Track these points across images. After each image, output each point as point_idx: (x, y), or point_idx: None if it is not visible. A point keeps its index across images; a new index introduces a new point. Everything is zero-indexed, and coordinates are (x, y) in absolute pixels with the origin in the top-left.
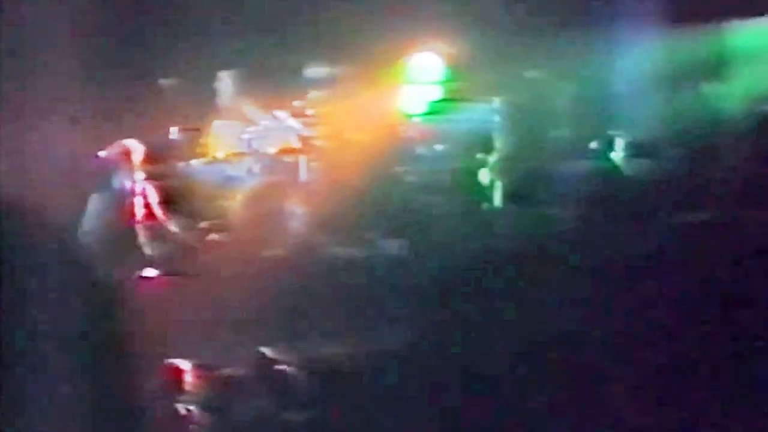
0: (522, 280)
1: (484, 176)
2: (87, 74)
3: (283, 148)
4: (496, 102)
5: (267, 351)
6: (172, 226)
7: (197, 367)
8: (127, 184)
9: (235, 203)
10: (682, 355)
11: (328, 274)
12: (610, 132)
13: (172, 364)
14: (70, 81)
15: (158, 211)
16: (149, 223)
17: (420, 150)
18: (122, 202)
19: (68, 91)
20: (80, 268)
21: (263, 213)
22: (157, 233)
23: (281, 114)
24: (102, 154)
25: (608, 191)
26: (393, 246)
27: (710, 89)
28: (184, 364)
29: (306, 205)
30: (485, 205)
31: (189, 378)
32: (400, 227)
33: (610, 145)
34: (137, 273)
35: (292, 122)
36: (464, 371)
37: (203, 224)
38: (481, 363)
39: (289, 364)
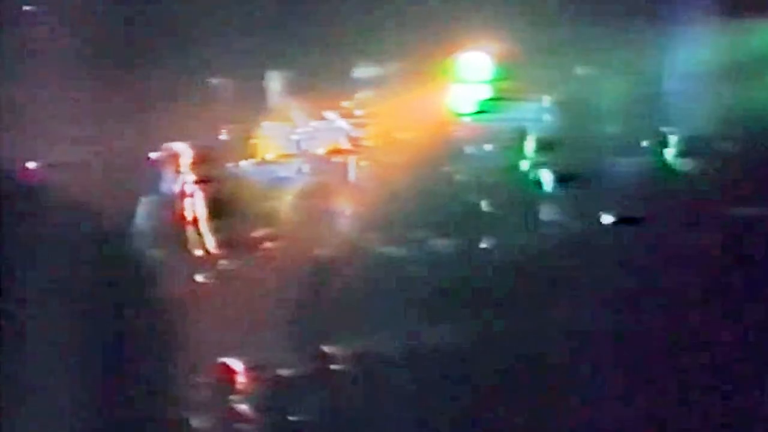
0: (573, 279)
1: (534, 175)
2: (136, 74)
3: (332, 148)
4: (546, 100)
5: (319, 349)
6: (222, 228)
7: (251, 367)
8: (177, 187)
9: (284, 204)
10: (743, 348)
11: (377, 274)
12: (663, 129)
13: (225, 363)
14: (118, 81)
15: (208, 213)
16: (199, 225)
17: (469, 149)
18: (172, 204)
19: (116, 92)
20: (133, 269)
21: (313, 213)
22: (207, 235)
23: (330, 114)
24: (153, 155)
25: (661, 189)
26: (442, 246)
27: (766, 84)
28: (237, 364)
29: (355, 205)
30: (535, 205)
31: (242, 378)
32: (449, 227)
33: (663, 143)
34: (189, 276)
35: (341, 123)
36: (516, 369)
37: (254, 226)
38: (534, 360)
39: (340, 362)
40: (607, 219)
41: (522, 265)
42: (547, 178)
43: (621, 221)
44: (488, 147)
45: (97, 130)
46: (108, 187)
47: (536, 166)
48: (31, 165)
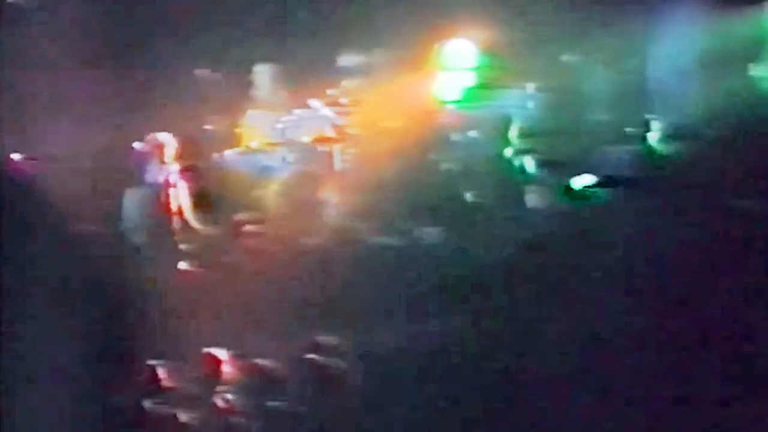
0: (560, 268)
1: (519, 162)
2: (121, 66)
3: (318, 137)
4: (531, 87)
5: (306, 340)
6: (207, 218)
7: (236, 357)
8: (162, 177)
9: (270, 193)
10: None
11: (363, 264)
12: (647, 116)
13: (210, 353)
14: (102, 73)
15: (192, 204)
16: (184, 215)
17: (454, 137)
18: (157, 195)
19: (100, 84)
20: (119, 259)
21: (298, 202)
22: (192, 225)
23: (315, 103)
24: (137, 146)
25: (645, 175)
26: (429, 234)
27: (750, 72)
28: (223, 354)
29: (341, 194)
30: (521, 193)
31: (228, 368)
32: (436, 215)
33: (646, 129)
34: (174, 264)
35: (326, 111)
36: (508, 363)
37: (239, 216)
38: (526, 353)
39: (327, 354)
40: (581, 181)
41: (510, 254)
42: (531, 164)
43: (597, 185)
44: (473, 134)
45: (81, 122)
46: (93, 178)
47: (521, 152)
48: (15, 157)
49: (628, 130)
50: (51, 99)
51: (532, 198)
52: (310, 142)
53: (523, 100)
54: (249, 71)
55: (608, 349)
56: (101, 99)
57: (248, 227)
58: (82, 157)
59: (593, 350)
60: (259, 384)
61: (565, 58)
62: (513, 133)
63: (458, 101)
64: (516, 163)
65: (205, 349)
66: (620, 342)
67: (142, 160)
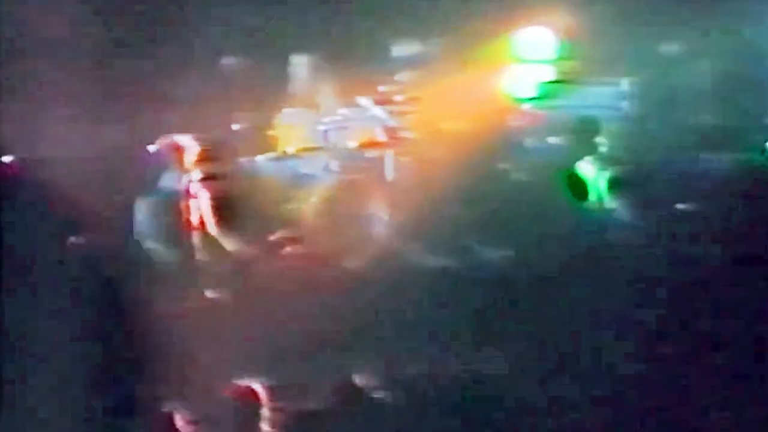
0: (643, 304)
1: (607, 174)
2: (131, 54)
3: (366, 141)
4: (624, 84)
5: (348, 376)
6: (233, 235)
7: (270, 389)
8: (180, 186)
9: (308, 206)
10: None
11: (417, 289)
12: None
13: (242, 386)
14: (113, 61)
15: (217, 218)
16: (206, 231)
17: (529, 143)
18: (174, 207)
19: (110, 74)
20: (131, 285)
21: (342, 217)
22: (217, 243)
23: (364, 101)
24: (151, 149)
25: (760, 190)
26: (495, 256)
27: None
28: (257, 386)
29: (393, 208)
30: (607, 210)
31: (262, 401)
32: (503, 235)
33: (765, 135)
34: (196, 291)
35: (377, 110)
36: (575, 403)
37: (272, 233)
38: (594, 393)
39: (373, 388)
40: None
41: (587, 283)
42: (620, 178)
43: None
44: (552, 140)
45: (85, 120)
46: (99, 186)
47: (609, 163)
48: (6, 159)
49: (742, 136)
50: (49, 92)
51: (619, 219)
52: (357, 147)
53: (614, 99)
54: (285, 62)
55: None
56: (108, 93)
57: (283, 246)
58: (84, 161)
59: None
60: (295, 423)
61: (665, 48)
62: (601, 139)
63: (534, 100)
64: (602, 175)
65: (234, 385)
66: (703, 368)
67: (157, 165)
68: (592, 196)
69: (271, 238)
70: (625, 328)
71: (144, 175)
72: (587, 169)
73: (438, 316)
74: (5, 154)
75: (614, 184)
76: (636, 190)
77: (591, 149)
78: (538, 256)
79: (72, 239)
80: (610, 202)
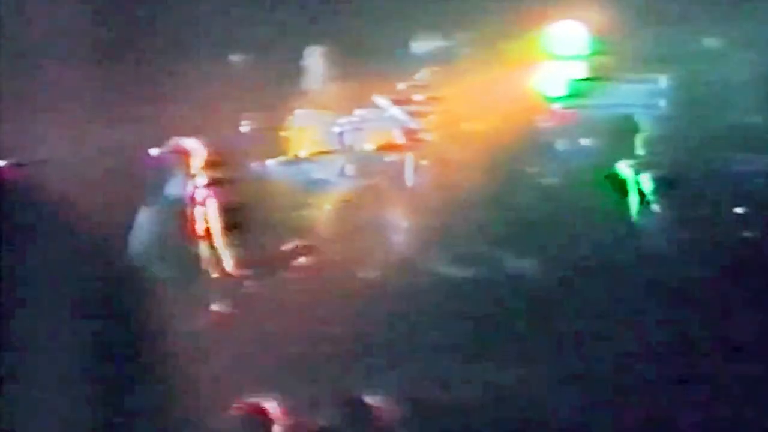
0: (682, 318)
1: (647, 178)
2: (134, 51)
3: (384, 143)
4: (662, 81)
5: (363, 393)
6: (242, 244)
7: (281, 406)
8: (186, 193)
9: (322, 213)
10: None
11: (439, 301)
12: None
13: (252, 403)
14: (115, 59)
15: (224, 225)
16: (213, 240)
17: (560, 145)
18: (180, 214)
19: (112, 73)
20: (134, 297)
21: (358, 225)
22: (224, 253)
23: (382, 101)
24: (154, 153)
25: None
26: (523, 266)
27: None
28: (267, 404)
29: (412, 215)
30: (644, 215)
31: (273, 418)
32: (532, 244)
33: None
34: (202, 303)
35: (396, 111)
36: (604, 417)
37: (283, 242)
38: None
39: (389, 408)
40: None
41: (626, 295)
42: (657, 182)
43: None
44: (585, 142)
45: (84, 121)
46: (100, 192)
47: (646, 166)
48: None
49: None
50: (48, 92)
51: (656, 227)
52: (374, 150)
53: (651, 97)
54: (298, 58)
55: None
56: (109, 93)
57: (295, 257)
58: (84, 165)
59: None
60: None
61: (705, 42)
62: (638, 140)
63: (565, 98)
64: (638, 180)
65: (244, 402)
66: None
67: (162, 170)
68: (632, 202)
69: (283, 248)
70: (670, 341)
71: (146, 181)
72: (625, 173)
73: (460, 330)
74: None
75: (656, 189)
76: (679, 194)
77: (628, 152)
78: (571, 267)
79: (70, 249)
80: (652, 207)
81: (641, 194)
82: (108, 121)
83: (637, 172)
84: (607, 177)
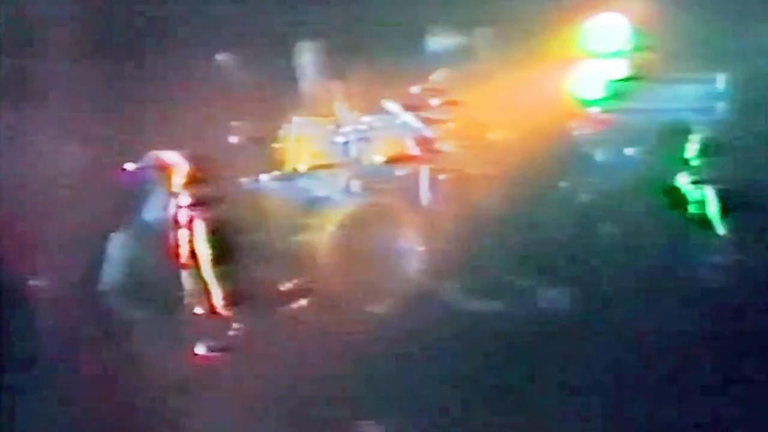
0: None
1: (697, 195)
2: (108, 49)
3: (395, 155)
4: (719, 80)
5: None
6: (232, 274)
7: None
8: (166, 214)
9: (324, 237)
10: None
11: (460, 340)
12: None
13: None
14: (85, 59)
15: (212, 252)
16: (200, 269)
17: (599, 156)
18: (159, 241)
19: (81, 74)
20: (105, 340)
21: (366, 250)
22: (211, 284)
23: (392, 106)
24: (128, 169)
25: None
26: (557, 298)
27: None
28: None
29: (429, 238)
30: (698, 236)
31: None
32: (569, 271)
33: None
34: (186, 345)
35: (408, 117)
36: None
37: (280, 271)
38: None
39: None
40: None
41: (671, 335)
42: (715, 199)
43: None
44: (628, 152)
45: (47, 131)
46: (65, 214)
47: (702, 180)
48: None
49: None
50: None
51: (715, 249)
52: (383, 162)
53: (706, 100)
54: (294, 57)
55: None
56: (75, 96)
57: (293, 288)
58: (46, 182)
59: None
60: None
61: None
62: (691, 149)
63: (605, 102)
64: (693, 196)
65: None
66: None
67: (138, 189)
68: (691, 222)
69: (276, 274)
70: (730, 392)
71: (119, 202)
72: (684, 187)
73: (483, 373)
74: None
75: (721, 207)
76: (747, 213)
77: (679, 163)
78: (612, 300)
79: (32, 282)
80: (716, 230)
81: (702, 213)
82: (72, 131)
83: (696, 188)
84: (663, 192)
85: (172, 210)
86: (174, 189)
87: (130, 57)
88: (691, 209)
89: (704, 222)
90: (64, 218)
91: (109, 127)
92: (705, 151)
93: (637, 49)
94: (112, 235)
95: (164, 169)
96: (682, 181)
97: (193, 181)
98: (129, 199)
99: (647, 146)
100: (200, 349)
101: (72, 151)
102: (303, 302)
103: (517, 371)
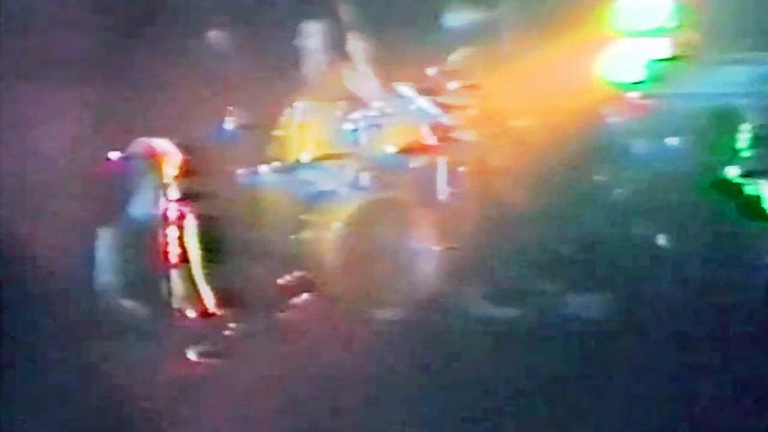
0: None
1: (748, 189)
2: (95, 29)
3: (409, 144)
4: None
5: None
6: (226, 273)
7: None
8: (156, 209)
9: (329, 235)
10: None
11: (478, 349)
12: None
13: None
14: (66, 38)
15: (203, 250)
16: (191, 269)
17: (636, 146)
18: (148, 237)
19: (55, 48)
20: (92, 342)
21: (376, 250)
22: (203, 285)
23: (406, 89)
24: (114, 157)
25: None
26: (586, 305)
27: None
28: None
29: (445, 237)
30: (752, 235)
31: None
32: (600, 275)
33: None
34: (176, 350)
35: (424, 102)
36: None
37: (279, 271)
38: None
39: None
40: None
41: (717, 347)
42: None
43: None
44: (671, 141)
45: (28, 118)
46: (47, 208)
47: (754, 172)
48: None
49: None
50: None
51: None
52: (396, 152)
53: (758, 83)
54: (296, 35)
55: None
56: (54, 76)
57: (294, 292)
58: (23, 173)
59: None
60: None
61: None
62: (741, 138)
63: (643, 86)
64: (744, 189)
65: None
66: None
67: (125, 180)
68: (743, 218)
69: (279, 281)
70: None
71: (108, 193)
72: (736, 180)
73: (503, 386)
74: None
75: None
76: None
77: (729, 153)
78: (650, 307)
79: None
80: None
81: (756, 210)
82: (52, 116)
83: (748, 181)
84: (711, 187)
85: (161, 204)
86: (165, 181)
87: (116, 33)
88: (743, 205)
89: (758, 219)
90: (41, 213)
91: (91, 110)
92: (757, 140)
93: (681, 26)
94: (96, 231)
95: (154, 159)
96: (732, 173)
97: (184, 172)
98: (114, 192)
99: (692, 135)
100: (192, 355)
101: (52, 139)
102: (303, 298)
103: (543, 385)
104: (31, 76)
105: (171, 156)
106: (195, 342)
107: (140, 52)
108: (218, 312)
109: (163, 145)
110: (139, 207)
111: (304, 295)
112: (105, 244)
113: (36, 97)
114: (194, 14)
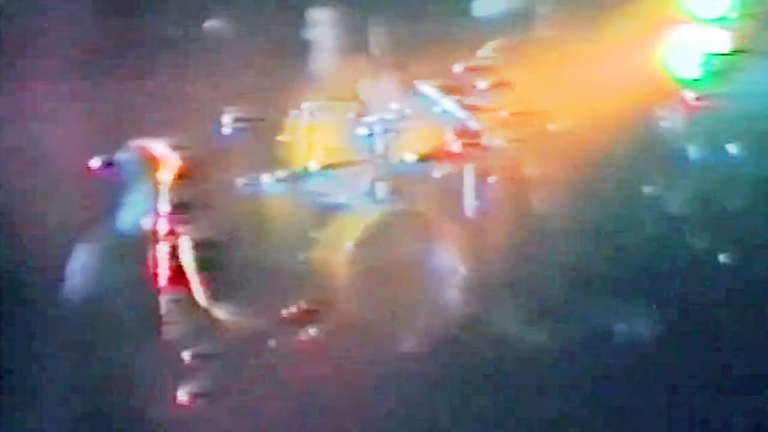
0: None
1: None
2: (82, 17)
3: (432, 150)
4: None
5: None
6: (227, 296)
7: None
8: (147, 222)
9: (341, 253)
10: None
11: (512, 377)
12: None
13: None
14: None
15: (200, 268)
16: (190, 291)
17: (694, 152)
18: (137, 253)
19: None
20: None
21: (395, 271)
22: (201, 310)
23: (429, 89)
24: (95, 164)
25: None
26: (635, 329)
27: None
28: None
29: (474, 255)
30: None
31: None
32: (650, 296)
33: None
34: (168, 391)
35: (449, 103)
36: None
37: (286, 295)
38: None
39: None
40: None
41: None
42: None
43: None
44: (732, 148)
45: (19, 116)
46: (19, 220)
47: None
48: None
49: None
50: None
51: None
52: (417, 160)
53: None
54: (304, 26)
55: None
56: (37, 71)
57: (302, 323)
58: (19, 173)
59: None
60: None
61: None
62: None
63: (703, 83)
64: None
65: None
66: None
67: (113, 187)
68: None
69: (284, 313)
70: None
71: (91, 202)
72: None
73: (540, 420)
74: None
75: None
76: None
77: None
78: (711, 329)
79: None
80: None
81: None
82: (38, 115)
83: None
84: None
85: (153, 216)
86: (160, 188)
87: (104, 25)
88: None
89: None
90: (24, 222)
91: (76, 113)
92: None
93: (746, 15)
94: (79, 245)
95: (149, 163)
96: None
97: (179, 180)
98: (101, 200)
99: (755, 140)
100: (183, 396)
101: (39, 139)
102: (312, 331)
103: (584, 417)
104: (24, 72)
105: (169, 160)
106: (190, 377)
107: (135, 48)
108: (214, 342)
109: (159, 147)
110: (128, 219)
111: (312, 328)
112: (88, 262)
113: (29, 94)
114: (194, 4)
